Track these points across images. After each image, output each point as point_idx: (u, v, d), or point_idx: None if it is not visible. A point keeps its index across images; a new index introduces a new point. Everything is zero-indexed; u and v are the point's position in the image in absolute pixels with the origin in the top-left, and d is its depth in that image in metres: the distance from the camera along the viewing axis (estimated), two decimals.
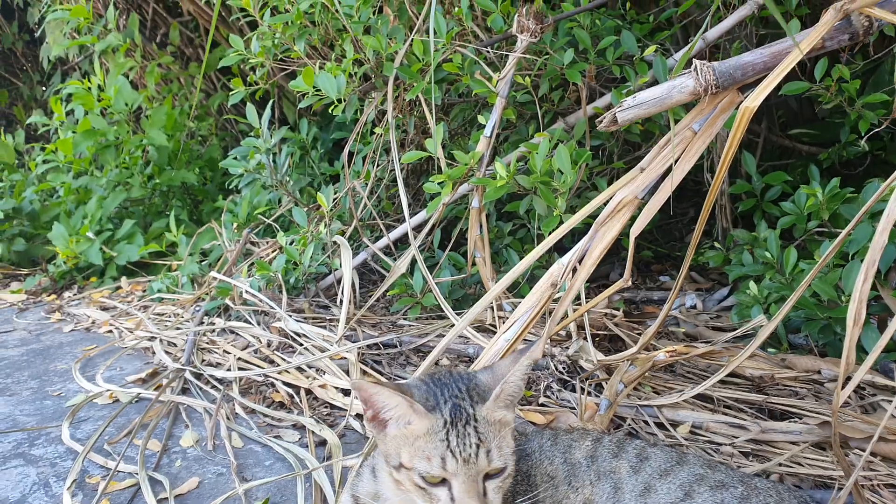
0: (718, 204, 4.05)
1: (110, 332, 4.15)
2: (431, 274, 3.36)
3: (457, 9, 3.27)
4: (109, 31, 5.45)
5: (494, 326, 3.31)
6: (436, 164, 3.70)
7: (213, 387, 3.12)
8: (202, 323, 3.81)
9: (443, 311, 3.34)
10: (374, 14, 3.47)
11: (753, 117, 4.58)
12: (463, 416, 1.55)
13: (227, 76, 6.08)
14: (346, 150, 3.82)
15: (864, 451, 1.92)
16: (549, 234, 2.60)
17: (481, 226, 3.43)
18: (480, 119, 3.27)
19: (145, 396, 3.04)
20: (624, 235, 2.59)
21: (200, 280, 4.54)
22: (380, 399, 1.56)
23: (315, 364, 3.12)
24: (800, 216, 3.44)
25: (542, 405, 2.66)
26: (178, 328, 3.92)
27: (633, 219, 2.23)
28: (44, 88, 8.32)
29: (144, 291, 4.77)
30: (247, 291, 3.73)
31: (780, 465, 2.15)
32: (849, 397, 2.52)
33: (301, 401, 2.93)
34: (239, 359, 3.36)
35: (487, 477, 1.54)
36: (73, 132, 5.38)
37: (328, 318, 3.63)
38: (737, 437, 2.31)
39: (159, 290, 4.52)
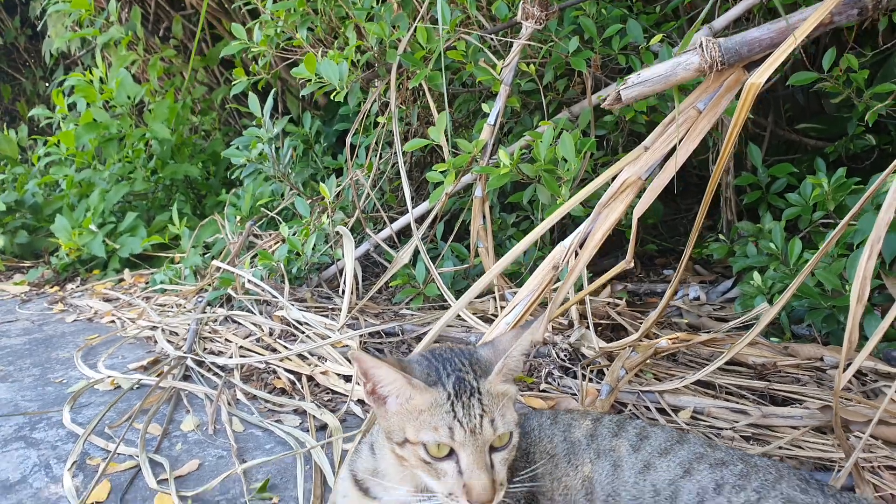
0: (723, 196, 4.03)
1: (112, 322, 4.15)
2: (434, 265, 3.36)
3: None
4: (111, 24, 5.46)
5: (497, 316, 3.30)
6: (439, 156, 3.70)
7: (215, 374, 3.12)
8: (204, 312, 3.81)
9: (445, 302, 3.34)
10: (377, 2, 3.47)
11: (759, 110, 4.57)
12: (467, 388, 1.55)
13: (231, 70, 6.09)
14: (348, 139, 3.82)
15: (864, 434, 1.91)
16: (549, 215, 2.59)
17: (484, 216, 3.42)
18: (484, 107, 3.26)
19: (146, 383, 3.04)
20: (626, 227, 2.59)
21: (203, 272, 4.54)
22: (378, 374, 1.56)
23: (317, 351, 3.12)
24: (805, 207, 3.43)
25: (544, 391, 2.65)
26: (180, 318, 3.92)
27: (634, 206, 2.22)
28: (46, 84, 8.35)
29: (147, 283, 4.78)
30: (249, 281, 3.73)
31: (781, 448, 2.14)
32: (850, 383, 2.51)
33: (302, 387, 2.93)
34: (241, 347, 3.36)
35: (493, 450, 1.54)
36: (76, 125, 5.40)
37: (330, 307, 3.63)
38: (738, 422, 2.30)
39: (162, 282, 4.53)
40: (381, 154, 4.14)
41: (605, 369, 2.68)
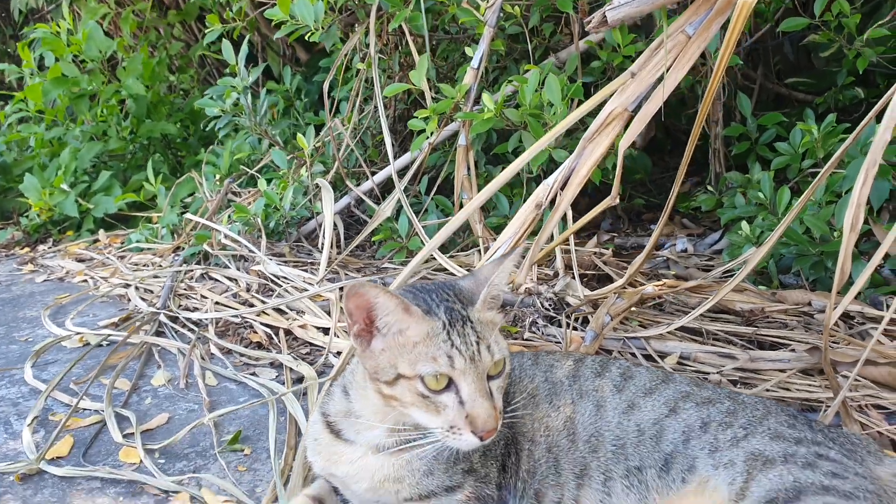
0: (712, 148, 3.94)
1: (85, 281, 4.03)
2: (417, 218, 3.26)
3: None
4: None
5: None
6: (422, 107, 3.57)
7: (190, 330, 3.02)
8: (180, 270, 3.70)
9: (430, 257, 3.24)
10: None
11: (749, 62, 4.43)
12: (458, 317, 1.47)
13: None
14: (325, 84, 3.67)
15: (851, 373, 1.85)
16: (538, 166, 2.50)
17: (468, 167, 3.32)
18: (468, 51, 3.13)
19: (117, 339, 2.94)
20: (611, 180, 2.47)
21: (180, 231, 4.42)
22: (376, 302, 1.46)
23: (295, 305, 3.03)
24: (794, 156, 3.35)
25: (527, 340, 2.58)
26: (155, 276, 3.81)
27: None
28: (16, 42, 8.08)
29: (123, 243, 4.65)
30: (226, 236, 3.62)
31: (768, 390, 2.09)
32: (838, 326, 2.46)
33: (280, 341, 2.85)
34: (217, 303, 3.26)
35: (490, 378, 1.47)
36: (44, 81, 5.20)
37: (310, 261, 3.53)
38: (724, 367, 2.24)
39: (137, 241, 4.41)
40: (362, 107, 4.01)
41: (589, 317, 2.61)
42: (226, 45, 3.82)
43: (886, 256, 2.99)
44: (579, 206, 4.55)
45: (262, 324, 2.97)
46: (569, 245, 3.02)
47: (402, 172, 3.54)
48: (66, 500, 1.88)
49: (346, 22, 3.41)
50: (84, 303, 3.54)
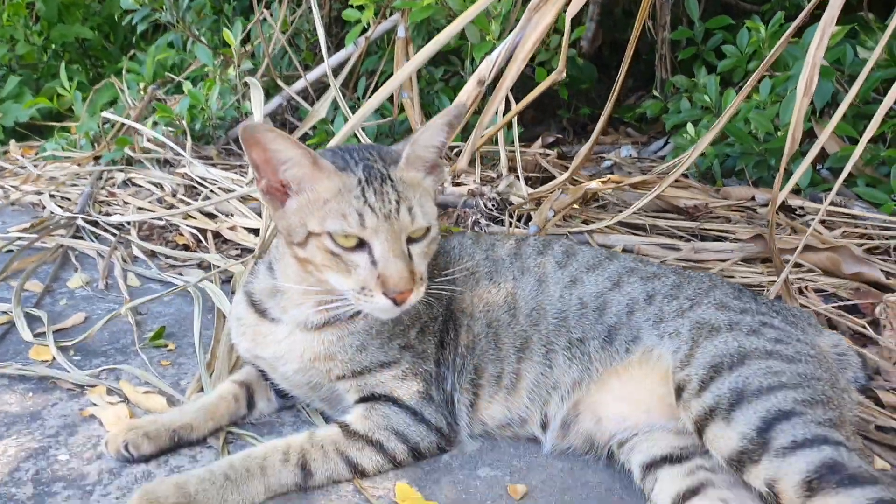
0: (658, 54, 3.85)
1: None
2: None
3: None
4: None
5: None
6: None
7: (112, 235, 2.82)
8: (101, 178, 3.44)
9: None
10: None
11: None
12: (377, 175, 1.36)
13: None
14: None
15: (791, 257, 1.84)
16: (482, 59, 2.35)
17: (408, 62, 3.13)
18: None
19: (28, 244, 2.71)
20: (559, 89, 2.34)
21: (101, 139, 4.11)
22: (277, 150, 1.34)
23: (223, 207, 2.85)
24: (740, 58, 3.29)
25: None
26: (74, 185, 3.54)
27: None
28: None
29: (37, 153, 4.31)
30: (149, 140, 3.38)
31: None
32: (780, 220, 2.45)
33: (208, 243, 2.69)
34: (140, 208, 3.05)
35: (411, 241, 1.37)
36: None
37: (238, 164, 3.33)
38: (668, 257, 2.20)
39: (53, 150, 4.08)
40: (294, 7, 3.74)
41: (533, 214, 2.53)
42: None
43: (826, 157, 3.02)
44: (524, 119, 4.46)
45: (189, 227, 2.79)
46: (513, 148, 2.92)
47: (338, 72, 3.33)
48: None
49: None
50: None
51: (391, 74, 3.34)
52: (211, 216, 2.88)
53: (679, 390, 1.36)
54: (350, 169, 1.37)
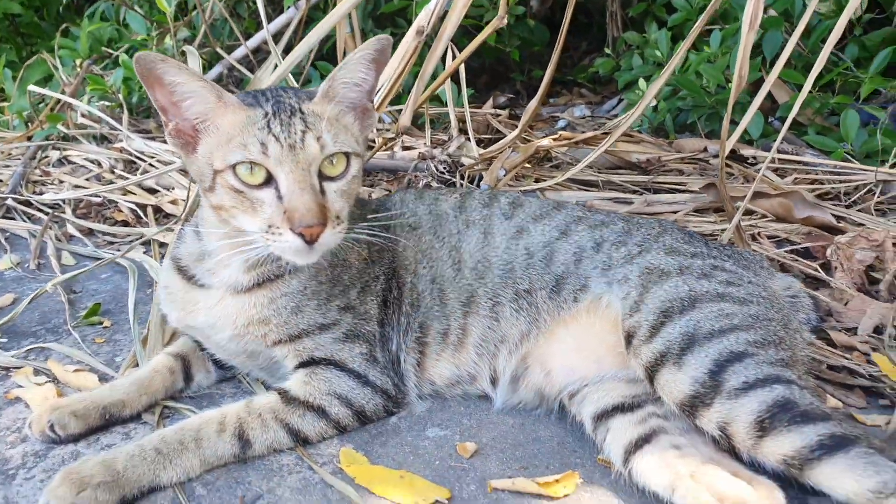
0: (609, 11, 3.81)
1: None
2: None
3: None
4: None
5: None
6: None
7: (46, 214, 2.68)
8: (35, 157, 3.28)
9: None
10: None
11: None
12: (287, 108, 1.28)
13: None
14: None
15: (743, 202, 1.81)
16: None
17: (351, 26, 3.02)
18: None
19: None
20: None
21: (34, 118, 3.92)
22: (178, 82, 1.26)
23: (164, 181, 2.73)
24: (691, 11, 3.26)
25: None
26: (7, 166, 3.36)
27: None
28: None
29: None
30: (83, 114, 3.22)
31: None
32: (732, 169, 2.43)
33: (148, 218, 2.57)
34: (76, 186, 2.91)
35: (327, 178, 1.28)
36: None
37: None
38: (620, 211, 2.16)
39: None
40: None
41: (484, 174, 2.47)
42: None
43: (776, 108, 3.01)
44: (477, 84, 4.38)
45: (127, 202, 2.67)
46: (464, 109, 2.84)
47: (279, 38, 3.21)
48: None
49: None
50: None
51: (334, 37, 3.23)
52: (152, 191, 2.76)
53: (629, 337, 1.32)
54: (259, 105, 1.29)
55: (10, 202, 2.75)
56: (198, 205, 1.51)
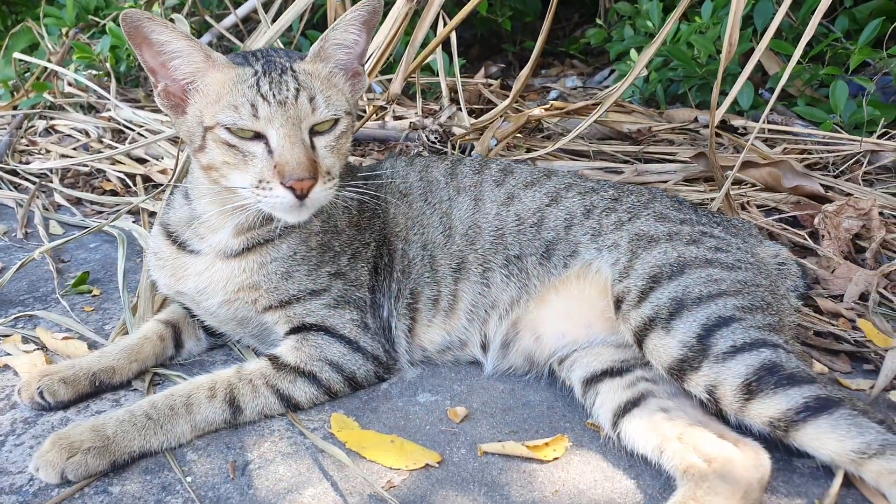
0: None
1: None
2: None
3: None
4: None
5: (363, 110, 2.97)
6: None
7: (33, 183, 2.66)
8: (21, 126, 3.23)
9: None
10: None
11: None
12: (277, 67, 1.27)
13: None
14: None
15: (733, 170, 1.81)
16: None
17: None
18: None
19: None
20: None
21: (21, 88, 3.86)
22: (165, 41, 1.25)
23: (154, 151, 2.70)
24: None
25: None
26: None
27: None
28: None
29: None
30: (70, 83, 3.17)
31: None
32: (723, 139, 2.43)
33: (137, 187, 2.55)
34: (63, 156, 2.87)
35: (316, 133, 1.28)
36: None
37: None
38: (611, 180, 2.16)
39: None
40: None
41: (476, 143, 2.46)
42: None
43: (766, 80, 3.00)
44: (470, 55, 4.34)
45: (116, 172, 2.64)
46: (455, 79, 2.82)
47: (269, 6, 3.15)
48: None
49: None
50: None
51: (324, 5, 3.19)
52: (140, 161, 2.74)
53: (618, 302, 1.33)
54: (248, 64, 1.28)
55: None
56: (187, 171, 1.50)
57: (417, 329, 1.47)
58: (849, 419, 1.12)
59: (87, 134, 3.01)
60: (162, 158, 2.66)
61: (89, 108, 3.20)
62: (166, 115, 1.31)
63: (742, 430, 1.22)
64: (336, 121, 1.29)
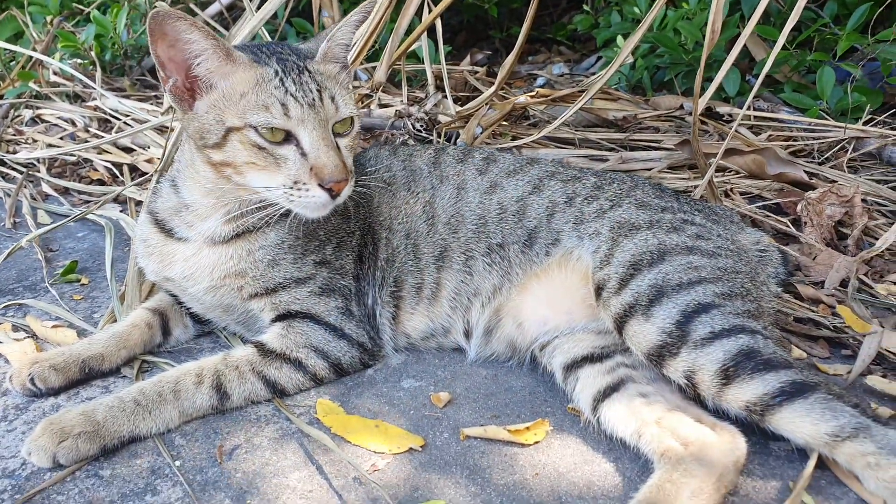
0: None
1: None
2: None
3: None
4: None
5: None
6: None
7: (19, 173, 2.65)
8: (7, 116, 3.22)
9: None
10: None
11: None
12: (293, 67, 1.30)
13: None
14: None
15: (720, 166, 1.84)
16: None
17: None
18: None
19: None
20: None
21: (6, 77, 3.83)
22: (189, 40, 1.25)
23: (140, 140, 2.70)
24: None
25: None
26: None
27: None
28: None
29: None
30: (55, 72, 3.15)
31: None
32: (707, 126, 2.45)
33: (124, 177, 2.55)
34: (50, 145, 2.87)
35: (337, 135, 1.32)
36: None
37: (154, 94, 3.15)
38: (596, 168, 2.18)
39: None
40: None
41: (461, 131, 2.47)
42: None
43: (753, 66, 3.02)
44: (456, 42, 4.33)
45: (103, 161, 2.64)
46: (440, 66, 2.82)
47: None
48: None
49: None
50: None
51: None
52: (127, 150, 2.74)
53: (599, 290, 1.35)
54: (263, 62, 1.30)
55: None
56: (173, 160, 1.51)
57: (401, 316, 1.49)
58: (823, 403, 1.14)
59: (74, 123, 3.00)
60: (148, 148, 2.66)
61: (75, 98, 3.18)
62: (175, 107, 1.32)
63: (720, 414, 1.24)
64: (352, 120, 1.33)
